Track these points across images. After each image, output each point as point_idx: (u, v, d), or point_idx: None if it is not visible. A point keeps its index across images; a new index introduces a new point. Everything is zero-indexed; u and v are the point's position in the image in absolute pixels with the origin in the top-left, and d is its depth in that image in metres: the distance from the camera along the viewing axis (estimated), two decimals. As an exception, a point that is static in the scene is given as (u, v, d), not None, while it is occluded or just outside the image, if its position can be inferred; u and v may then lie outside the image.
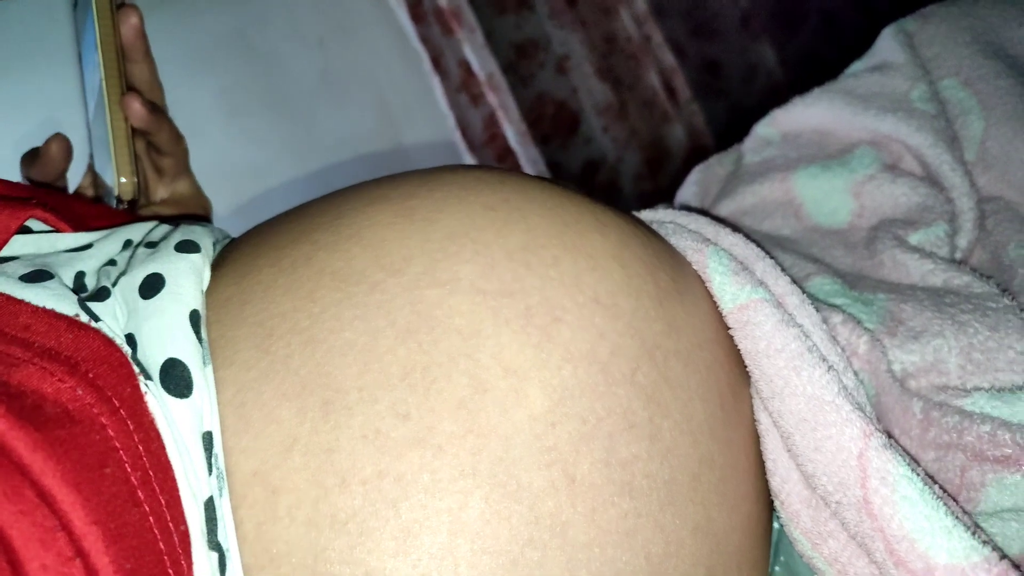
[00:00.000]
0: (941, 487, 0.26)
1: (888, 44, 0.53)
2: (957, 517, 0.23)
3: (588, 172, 1.41)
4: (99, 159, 0.43)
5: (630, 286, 0.29)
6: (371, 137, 1.26)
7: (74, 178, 0.46)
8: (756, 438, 0.31)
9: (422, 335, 0.26)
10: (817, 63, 1.47)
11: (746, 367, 0.32)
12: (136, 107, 0.40)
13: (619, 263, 0.29)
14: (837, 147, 0.49)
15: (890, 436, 0.26)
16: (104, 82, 0.39)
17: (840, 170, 0.47)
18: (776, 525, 0.34)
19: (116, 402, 0.22)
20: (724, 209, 0.51)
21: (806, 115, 0.52)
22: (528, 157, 1.33)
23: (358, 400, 0.25)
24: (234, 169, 1.09)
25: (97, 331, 0.24)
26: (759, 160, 0.53)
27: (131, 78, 0.42)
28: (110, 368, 0.23)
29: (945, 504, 0.24)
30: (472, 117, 1.34)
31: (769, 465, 0.30)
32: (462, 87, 1.33)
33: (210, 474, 0.24)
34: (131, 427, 0.22)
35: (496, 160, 1.34)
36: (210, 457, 0.24)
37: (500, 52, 1.37)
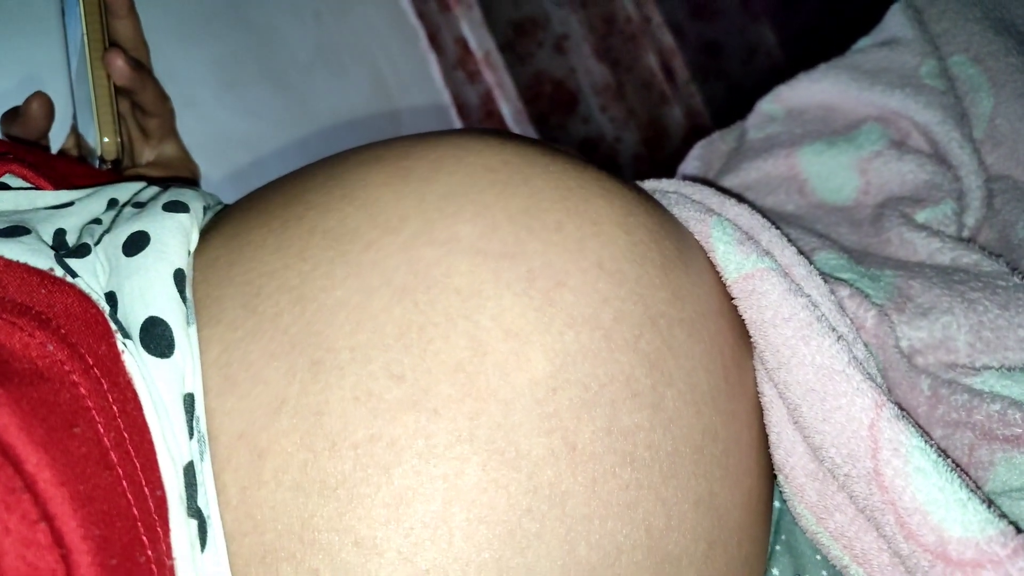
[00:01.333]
0: (954, 461, 0.25)
1: (897, 19, 0.52)
2: (972, 490, 0.22)
3: (585, 151, 1.40)
4: (82, 119, 0.42)
5: (634, 253, 0.28)
6: (366, 112, 1.24)
7: (56, 140, 0.44)
8: (759, 410, 0.30)
9: (419, 294, 0.25)
10: (817, 43, 1.45)
11: (750, 338, 0.31)
12: (119, 64, 0.38)
13: (623, 230, 0.28)
14: (843, 123, 0.48)
15: (901, 408, 0.25)
16: (86, 37, 0.37)
17: (846, 146, 0.46)
18: (776, 504, 0.33)
19: (89, 359, 0.21)
20: (727, 184, 0.50)
21: (811, 91, 0.51)
22: (525, 135, 1.32)
23: (350, 360, 0.24)
24: (228, 141, 1.08)
25: (72, 286, 0.23)
26: (763, 136, 0.51)
27: (114, 34, 0.40)
28: (84, 325, 0.21)
29: (959, 477, 0.23)
30: (468, 94, 1.32)
31: (773, 438, 0.29)
32: (459, 64, 1.31)
33: (191, 438, 0.23)
34: (105, 386, 0.21)
35: (487, 128, 1.32)
36: (191, 420, 0.23)
37: (498, 30, 1.35)
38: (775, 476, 0.31)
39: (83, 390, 0.20)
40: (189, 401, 0.23)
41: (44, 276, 0.23)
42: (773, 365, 0.28)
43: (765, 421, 0.30)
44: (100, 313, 0.22)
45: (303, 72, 1.17)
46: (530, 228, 0.27)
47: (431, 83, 1.31)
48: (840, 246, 0.40)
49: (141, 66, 0.40)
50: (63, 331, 0.21)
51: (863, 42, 0.53)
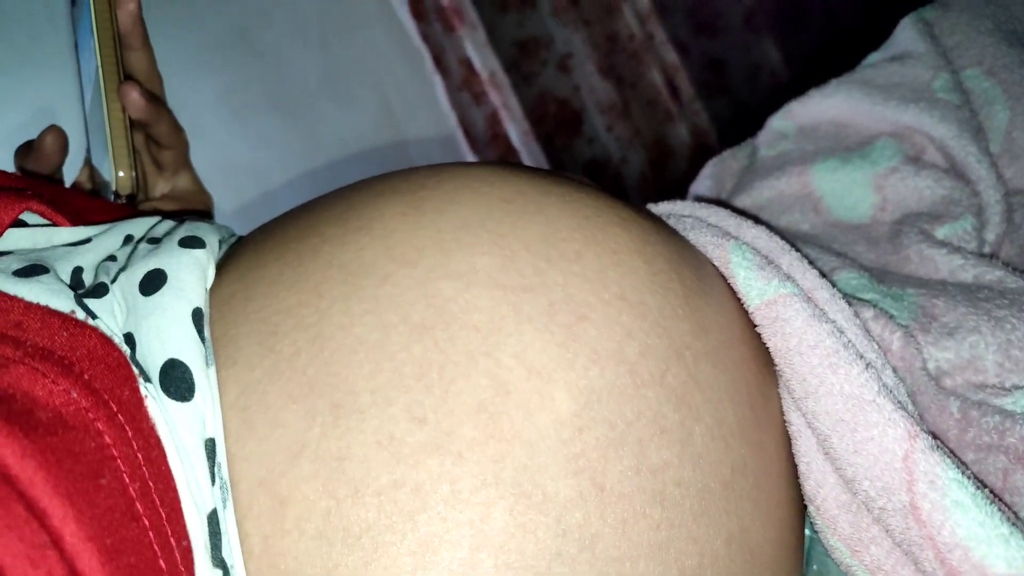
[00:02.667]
0: (991, 491, 0.24)
1: (907, 34, 0.52)
2: (1014, 524, 0.22)
3: (592, 172, 1.40)
4: (96, 152, 0.42)
5: (655, 283, 0.27)
6: (373, 136, 1.24)
7: (70, 172, 0.44)
8: (787, 439, 0.30)
9: (438, 331, 0.24)
10: (821, 60, 1.45)
11: (774, 365, 0.31)
12: (134, 97, 0.38)
13: (643, 259, 0.28)
14: (856, 139, 0.48)
15: (935, 437, 0.24)
16: (101, 70, 0.38)
17: (860, 163, 0.46)
18: (807, 532, 0.33)
19: (113, 406, 0.20)
20: (740, 204, 0.49)
21: (823, 107, 0.51)
22: (531, 156, 1.32)
23: (370, 402, 0.23)
24: (237, 169, 1.08)
25: (94, 329, 0.22)
26: (774, 154, 0.51)
27: (129, 67, 0.40)
28: (107, 369, 0.21)
29: (1000, 510, 0.22)
30: (474, 116, 1.32)
31: (802, 468, 0.29)
32: (464, 85, 1.32)
33: (213, 484, 0.23)
34: (130, 433, 0.20)
35: (499, 159, 1.33)
36: (213, 466, 0.23)
37: (502, 50, 1.36)
38: (805, 505, 0.30)
39: (108, 438, 0.20)
40: (210, 446, 0.23)
41: (65, 319, 0.22)
42: (800, 394, 0.27)
43: (793, 450, 0.29)
44: (122, 356, 0.22)
45: (310, 98, 1.18)
46: (548, 258, 0.26)
47: (437, 106, 1.31)
48: (860, 265, 0.39)
49: (156, 98, 0.40)
50: (86, 376, 0.20)
51: (873, 57, 0.53)
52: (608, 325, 0.25)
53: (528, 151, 1.33)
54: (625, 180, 1.41)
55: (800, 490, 0.30)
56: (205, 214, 0.45)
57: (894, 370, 0.28)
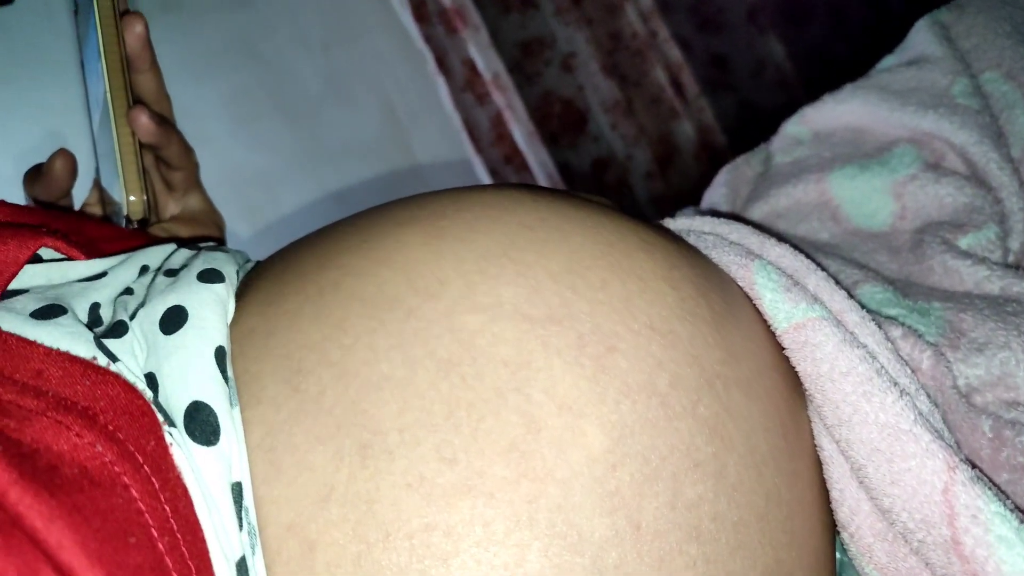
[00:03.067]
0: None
1: (923, 37, 0.51)
2: (1062, 561, 0.21)
3: (597, 171, 1.39)
4: (105, 173, 0.41)
5: (684, 310, 0.27)
6: (378, 139, 1.24)
7: (79, 192, 0.44)
8: (819, 465, 0.29)
9: (465, 367, 0.24)
10: (826, 56, 1.45)
11: (802, 387, 0.30)
12: (143, 120, 0.37)
13: (670, 285, 0.27)
14: (874, 145, 0.47)
15: (974, 466, 0.24)
16: (109, 94, 0.37)
17: (879, 170, 0.45)
18: (839, 555, 0.32)
19: (139, 457, 0.20)
20: (756, 212, 0.49)
21: (838, 112, 0.50)
22: (537, 157, 1.31)
23: (399, 443, 0.23)
24: (242, 175, 1.08)
25: (116, 376, 0.22)
26: (790, 160, 0.51)
27: (137, 89, 0.40)
28: (131, 419, 0.21)
29: (1047, 546, 0.22)
30: (479, 117, 1.32)
31: (835, 495, 0.28)
32: (467, 86, 1.31)
33: (241, 529, 0.22)
34: (156, 485, 0.20)
35: (504, 160, 1.32)
36: (240, 511, 0.22)
37: (505, 51, 1.35)
38: (836, 530, 0.30)
39: (135, 492, 0.19)
40: (237, 490, 0.22)
41: (87, 365, 0.22)
42: (833, 421, 0.27)
43: (825, 476, 0.29)
44: (146, 404, 0.22)
45: (314, 103, 1.17)
46: (574, 288, 0.26)
47: (441, 108, 1.31)
48: (883, 277, 0.39)
49: (165, 121, 0.39)
50: (111, 427, 0.20)
51: (888, 61, 0.52)
52: (638, 356, 0.25)
53: (533, 151, 1.33)
54: (631, 178, 1.41)
55: (831, 515, 0.29)
56: (217, 240, 0.45)
57: (927, 395, 0.28)
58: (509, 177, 1.33)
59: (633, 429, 0.24)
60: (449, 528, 0.22)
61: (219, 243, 0.44)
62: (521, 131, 1.29)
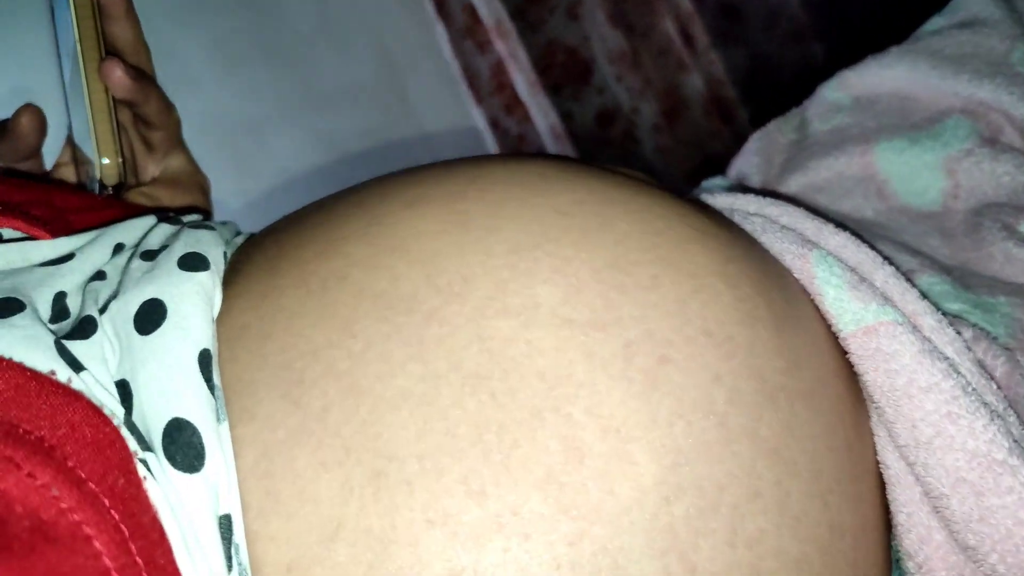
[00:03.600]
0: None
1: (977, -5, 0.47)
2: None
3: (602, 123, 1.34)
4: (78, 129, 0.37)
5: (741, 311, 0.23)
6: (372, 86, 1.18)
7: (50, 151, 0.39)
8: (882, 485, 0.26)
9: (495, 382, 0.20)
10: (842, 7, 1.39)
11: (864, 396, 0.27)
12: (118, 75, 0.33)
13: (726, 283, 0.24)
14: (923, 116, 0.43)
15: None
16: (79, 45, 0.33)
17: (931, 143, 0.41)
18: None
19: (106, 501, 0.16)
20: (793, 184, 0.45)
21: (883, 78, 0.46)
22: (539, 107, 1.26)
23: (419, 472, 0.19)
24: (229, 122, 1.02)
25: (78, 396, 0.18)
26: (829, 128, 0.47)
27: (111, 39, 0.35)
28: (96, 451, 0.17)
29: None
30: (479, 65, 1.26)
31: (901, 519, 0.25)
32: (467, 33, 1.25)
33: (230, 571, 0.19)
34: (126, 533, 0.16)
35: (504, 111, 1.27)
36: (230, 548, 0.19)
37: (508, -5, 1.29)
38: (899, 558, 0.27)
39: (99, 545, 0.16)
40: (226, 524, 0.19)
41: (43, 383, 0.18)
42: (907, 441, 0.24)
43: (889, 498, 0.25)
44: (114, 430, 0.18)
45: (305, 46, 1.11)
46: (621, 287, 0.22)
47: (439, 54, 1.25)
48: (940, 265, 0.35)
49: (143, 75, 0.35)
50: (70, 464, 0.16)
51: (937, 22, 0.48)
52: (693, 368, 0.21)
53: (535, 102, 1.28)
54: (636, 131, 1.36)
55: (890, 538, 0.26)
56: (202, 209, 0.40)
57: (1019, 416, 0.24)
58: (509, 128, 1.28)
59: (688, 455, 0.20)
60: (478, 574, 0.19)
61: (204, 212, 0.40)
62: (523, 80, 1.24)
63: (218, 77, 1.00)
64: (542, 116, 1.26)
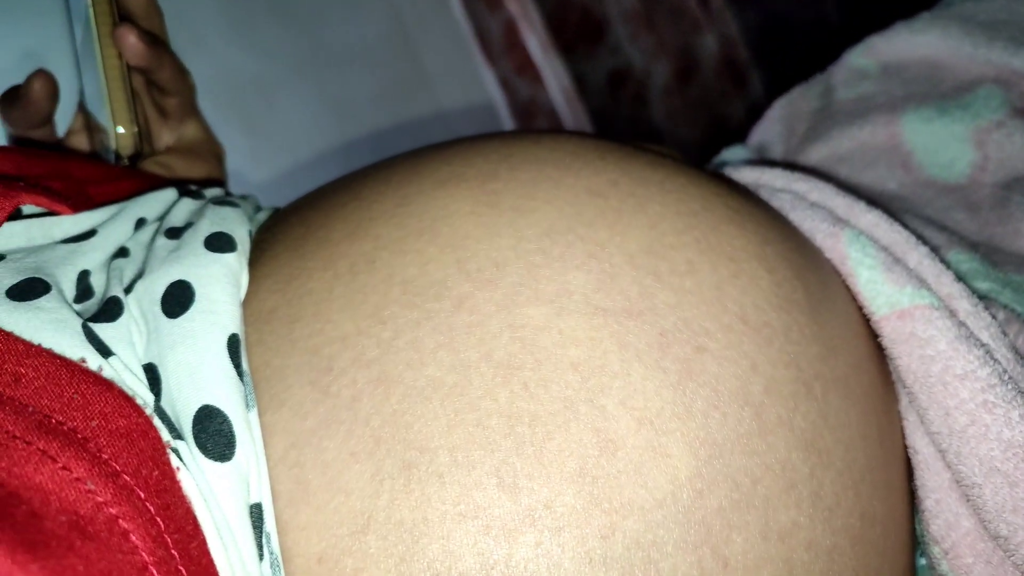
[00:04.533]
0: None
1: (1013, -42, 0.45)
2: None
3: (614, 84, 1.32)
4: (91, 96, 0.36)
5: (779, 297, 0.23)
6: (383, 45, 1.16)
7: (62, 118, 0.39)
8: (909, 470, 0.26)
9: (527, 372, 0.20)
10: (861, -36, 1.35)
11: (892, 379, 0.26)
12: (132, 41, 0.32)
13: (764, 266, 0.23)
14: (952, 84, 0.42)
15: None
16: (91, 9, 0.32)
17: (960, 114, 0.40)
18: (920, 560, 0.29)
19: (141, 493, 0.16)
20: (815, 154, 0.44)
21: (912, 44, 0.45)
22: (551, 67, 1.24)
23: (450, 464, 0.19)
24: (238, 81, 1.01)
25: (110, 385, 0.18)
26: (855, 96, 0.46)
27: (124, 3, 0.34)
28: (129, 442, 0.17)
29: None
30: (490, 24, 1.24)
31: (928, 504, 0.25)
32: (478, -9, 1.23)
33: (261, 560, 0.19)
34: (162, 526, 0.16)
35: (516, 71, 1.25)
36: (261, 537, 0.19)
37: (519, -49, 1.26)
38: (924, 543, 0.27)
39: (136, 540, 0.16)
40: (256, 513, 0.19)
41: (75, 371, 0.18)
42: (940, 428, 0.23)
43: (918, 483, 0.25)
44: (147, 420, 0.18)
45: (314, 5, 1.09)
46: (657, 273, 0.22)
47: (449, 12, 1.22)
48: (967, 241, 0.35)
49: (157, 40, 0.34)
50: (105, 456, 0.16)
51: (970, -15, 0.46)
52: (730, 357, 0.21)
53: (548, 62, 1.26)
54: (649, 92, 1.34)
55: (914, 519, 0.26)
56: (217, 180, 0.40)
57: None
58: (520, 89, 1.27)
59: (723, 447, 0.20)
60: (511, 567, 0.18)
61: (219, 182, 0.39)
62: (535, 40, 1.22)
63: (226, 36, 0.98)
64: (554, 77, 1.24)
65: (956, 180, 0.40)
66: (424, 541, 0.19)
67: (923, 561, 0.28)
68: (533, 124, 1.23)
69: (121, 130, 0.33)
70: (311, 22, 1.09)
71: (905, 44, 0.45)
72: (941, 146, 0.41)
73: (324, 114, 1.09)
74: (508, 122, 1.23)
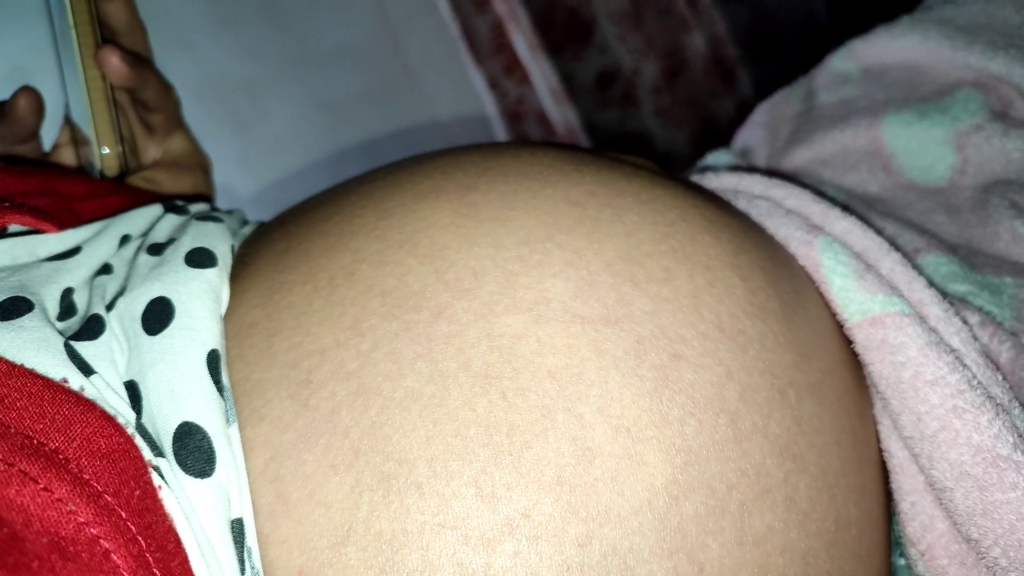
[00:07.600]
0: None
1: (991, -39, 0.45)
2: None
3: (602, 84, 1.33)
4: (76, 109, 0.37)
5: (753, 305, 0.23)
6: (370, 46, 1.16)
7: (48, 133, 0.39)
8: (884, 473, 0.26)
9: (505, 381, 0.20)
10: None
11: (867, 384, 0.27)
12: (115, 62, 0.32)
13: (739, 274, 0.24)
14: (932, 88, 0.43)
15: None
16: (74, 30, 0.32)
17: (940, 117, 0.41)
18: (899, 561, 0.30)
19: (123, 513, 0.17)
20: (798, 157, 0.44)
21: (892, 48, 0.45)
22: (539, 67, 1.24)
23: (429, 475, 0.19)
24: (227, 82, 1.01)
25: (92, 405, 0.18)
26: (836, 100, 0.46)
27: (106, 19, 0.34)
28: (110, 462, 0.17)
29: None
30: (478, 25, 1.24)
31: (904, 507, 0.25)
32: (467, -9, 1.23)
33: (243, 574, 0.19)
34: (144, 545, 0.17)
35: (504, 72, 1.25)
36: (242, 552, 0.19)
37: (507, -49, 1.26)
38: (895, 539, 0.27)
39: (117, 560, 0.16)
40: (238, 528, 0.19)
41: (56, 391, 0.18)
42: (912, 433, 0.24)
43: (893, 486, 0.26)
44: (128, 440, 0.18)
45: (301, 5, 1.09)
46: (634, 280, 0.22)
47: (437, 13, 1.22)
48: (946, 244, 0.35)
49: (140, 59, 0.34)
50: (86, 476, 0.17)
51: (949, -11, 0.47)
52: (705, 365, 0.21)
53: (535, 62, 1.26)
54: (637, 92, 1.34)
55: (890, 521, 0.27)
56: (203, 196, 0.40)
57: (1022, 404, 0.25)
58: (508, 90, 1.27)
59: (699, 454, 0.21)
60: None
61: (205, 196, 0.39)
62: (523, 41, 1.22)
63: (212, 37, 0.98)
64: (542, 77, 1.25)
65: (936, 183, 0.41)
66: (404, 552, 0.19)
67: (902, 561, 0.28)
68: (521, 124, 1.23)
69: (106, 151, 0.33)
70: (299, 23, 1.09)
71: (886, 48, 0.46)
72: (921, 149, 0.41)
73: (312, 115, 1.09)
74: (496, 122, 1.23)
